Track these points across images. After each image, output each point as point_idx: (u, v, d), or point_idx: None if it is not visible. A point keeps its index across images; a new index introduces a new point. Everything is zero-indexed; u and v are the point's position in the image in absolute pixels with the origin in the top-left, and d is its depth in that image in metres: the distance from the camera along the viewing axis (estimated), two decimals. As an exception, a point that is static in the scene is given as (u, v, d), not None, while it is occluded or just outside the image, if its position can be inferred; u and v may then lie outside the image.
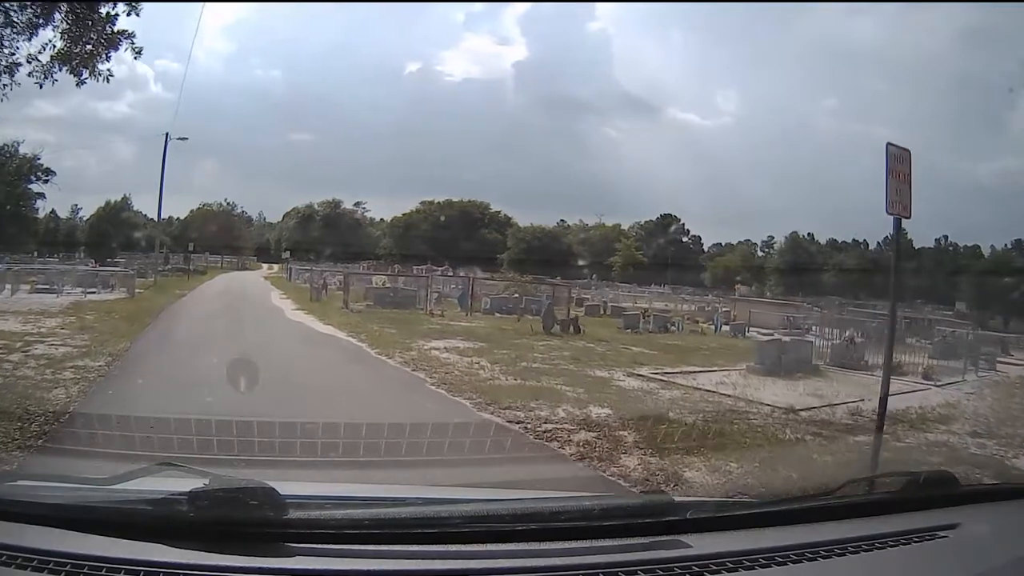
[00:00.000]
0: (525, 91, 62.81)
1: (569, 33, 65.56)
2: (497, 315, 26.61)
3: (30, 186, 48.66)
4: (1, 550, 1.98)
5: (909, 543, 2.45)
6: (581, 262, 50.76)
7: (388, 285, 30.93)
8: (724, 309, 34.77)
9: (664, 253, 53.64)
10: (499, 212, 54.56)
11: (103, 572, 1.92)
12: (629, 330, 24.98)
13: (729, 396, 12.90)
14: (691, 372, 15.65)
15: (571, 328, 22.32)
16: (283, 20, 77.20)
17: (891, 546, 2.41)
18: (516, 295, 28.86)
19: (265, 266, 52.51)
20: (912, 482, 2.88)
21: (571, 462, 8.26)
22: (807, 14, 61.65)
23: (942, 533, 2.53)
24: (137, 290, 29.45)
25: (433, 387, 12.21)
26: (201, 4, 59.97)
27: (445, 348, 17.17)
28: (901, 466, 8.19)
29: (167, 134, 36.37)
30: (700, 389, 13.31)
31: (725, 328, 27.69)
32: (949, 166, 56.24)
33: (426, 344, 17.62)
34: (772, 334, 27.88)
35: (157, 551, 2.01)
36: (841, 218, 60.08)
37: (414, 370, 13.91)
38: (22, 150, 47.91)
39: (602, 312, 29.77)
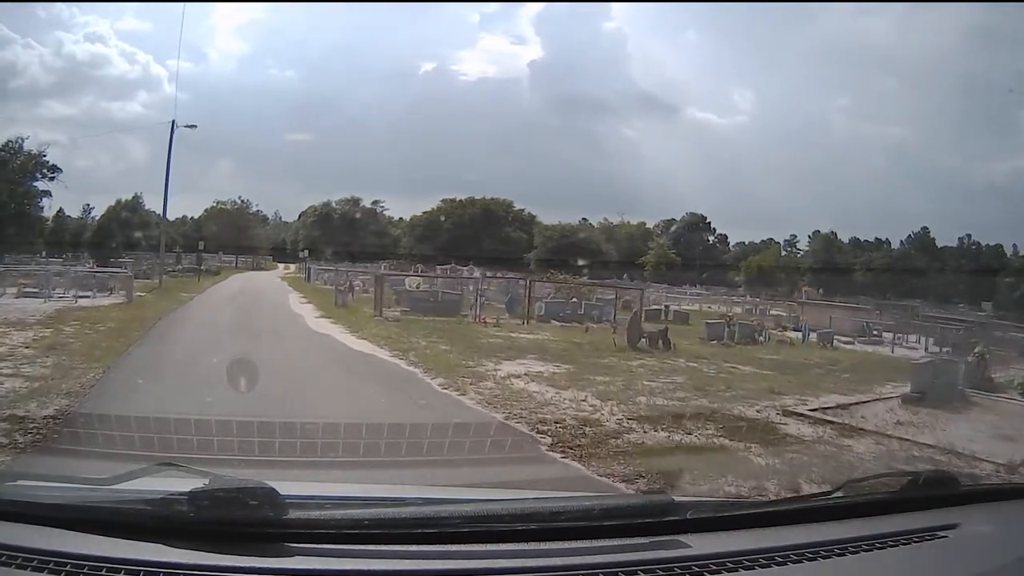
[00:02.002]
0: (541, 90, 61.47)
1: (584, 33, 64.58)
2: (554, 323, 22.34)
3: (35, 184, 43.18)
4: (1, 550, 1.90)
5: (909, 543, 2.33)
6: (608, 261, 47.64)
7: (423, 288, 25.41)
8: (773, 312, 32.75)
9: (692, 252, 50.99)
10: (523, 210, 51.59)
11: (103, 572, 1.83)
12: (715, 341, 21.58)
13: (932, 447, 9.88)
14: (846, 405, 12.64)
15: (660, 342, 18.63)
16: (297, 21, 77.00)
17: (891, 546, 2.29)
18: (574, 299, 23.56)
19: (281, 266, 49.75)
20: (912, 482, 2.72)
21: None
22: (822, 14, 60.88)
23: (942, 533, 2.40)
24: (138, 293, 25.32)
25: (557, 455, 8.13)
26: (183, 4, 57.15)
27: (526, 374, 13.38)
28: None
29: (173, 122, 33.49)
30: (889, 436, 10.37)
31: (812, 337, 24.26)
32: (968, 166, 55.85)
33: (497, 367, 13.96)
34: (852, 342, 25.53)
35: (157, 551, 1.91)
36: (858, 217, 59.32)
37: (507, 417, 9.81)
38: (27, 146, 41.32)
39: (664, 317, 24.38)
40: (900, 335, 26.80)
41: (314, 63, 64.16)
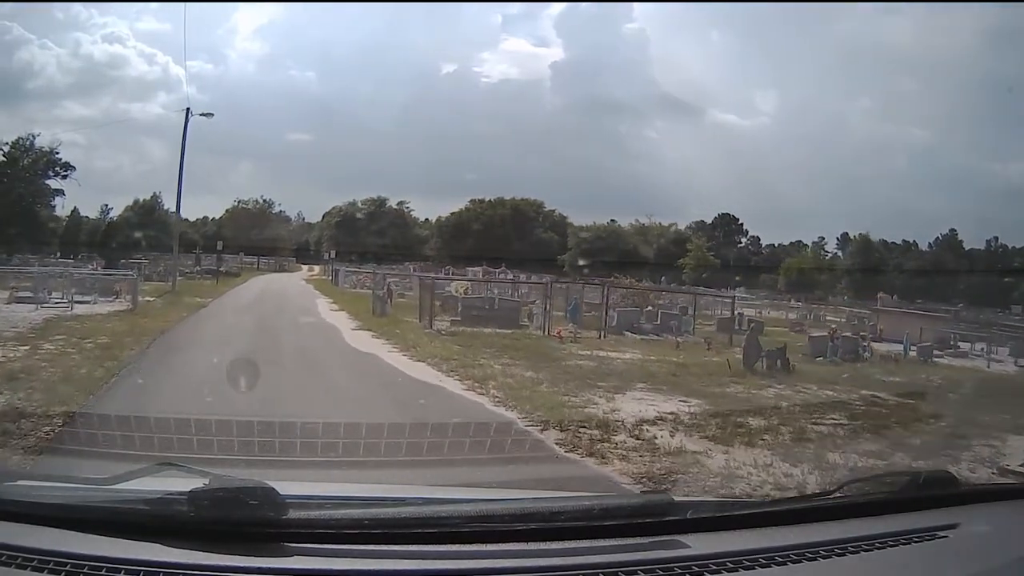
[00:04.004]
0: (563, 92, 59.75)
1: (606, 34, 64.60)
2: (629, 335, 18.47)
3: (47, 182, 39.65)
4: (1, 550, 1.86)
5: (909, 543, 2.25)
6: (644, 263, 43.68)
7: (472, 293, 21.24)
8: (829, 318, 31.40)
9: (726, 254, 47.78)
10: (553, 211, 48.34)
11: (103, 572, 1.78)
12: (820, 358, 18.48)
13: None
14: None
15: (778, 363, 15.16)
16: (317, 23, 77.33)
17: (891, 546, 2.21)
18: (649, 308, 19.45)
19: (305, 267, 46.56)
20: (912, 482, 2.64)
21: (572, 462, 7.09)
22: (844, 15, 59.63)
23: (942, 533, 2.33)
24: (147, 298, 21.57)
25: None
26: (184, 4, 57.14)
27: (659, 418, 9.52)
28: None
29: (187, 110, 30.68)
30: None
31: (912, 351, 21.54)
32: (992, 167, 56.09)
33: (611, 405, 10.31)
34: (942, 355, 22.42)
35: (157, 551, 1.87)
36: (883, 219, 58.12)
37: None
38: (39, 143, 38.16)
39: (737, 326, 20.52)
40: (980, 345, 24.52)
41: (335, 64, 62.91)
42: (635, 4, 70.93)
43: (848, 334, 24.09)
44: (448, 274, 33.66)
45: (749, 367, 14.80)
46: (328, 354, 14.64)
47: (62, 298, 21.60)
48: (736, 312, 26.04)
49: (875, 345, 22.53)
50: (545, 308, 21.05)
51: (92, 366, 11.24)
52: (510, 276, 34.04)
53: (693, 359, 16.34)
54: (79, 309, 19.55)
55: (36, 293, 21.39)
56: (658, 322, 22.03)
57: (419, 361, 13.70)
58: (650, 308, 23.33)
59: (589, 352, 16.30)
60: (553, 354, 15.58)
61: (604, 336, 19.55)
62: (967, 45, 57.22)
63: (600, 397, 10.93)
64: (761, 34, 68.67)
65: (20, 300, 20.69)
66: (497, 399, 10.31)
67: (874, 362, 19.48)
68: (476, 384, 11.40)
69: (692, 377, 13.76)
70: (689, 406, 10.74)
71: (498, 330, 18.73)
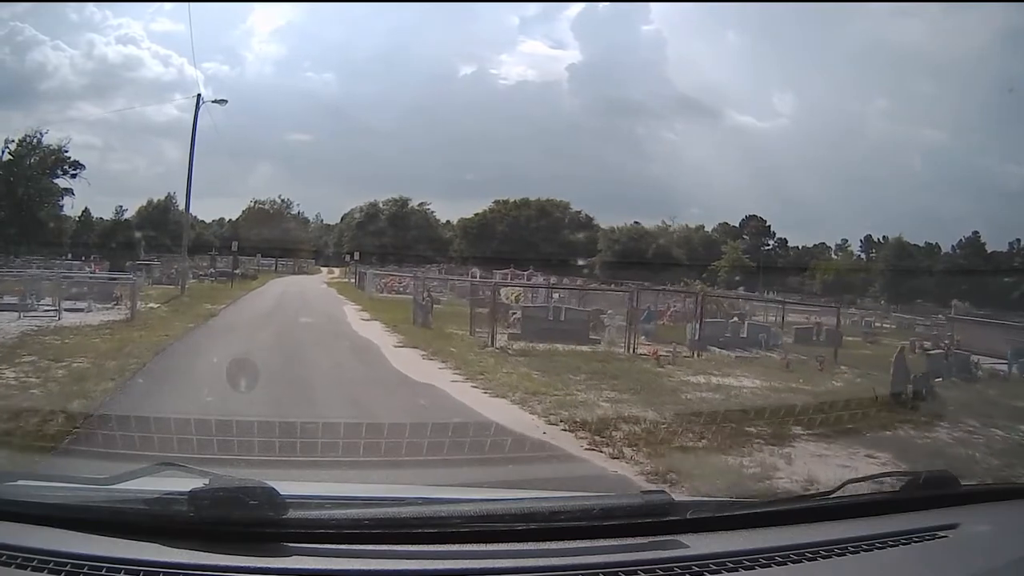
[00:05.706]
0: (581, 94, 58.27)
1: (623, 36, 60.50)
2: (716, 350, 15.91)
3: (55, 181, 36.46)
4: (1, 550, 1.82)
5: (909, 543, 2.18)
6: (678, 266, 40.58)
7: (524, 300, 17.83)
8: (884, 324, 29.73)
9: (755, 256, 44.91)
10: (579, 212, 46.08)
11: (103, 572, 1.75)
12: (939, 379, 14.72)
13: None
14: None
15: (924, 390, 11.72)
16: (334, 24, 73.32)
17: (891, 546, 2.14)
18: (734, 319, 16.42)
19: (324, 269, 44.46)
20: (912, 482, 2.56)
21: (571, 461, 6.67)
22: (859, 15, 57.94)
23: (942, 533, 2.25)
24: (151, 304, 20.74)
25: None
26: (188, 4, 54.92)
27: None
28: None
29: (198, 96, 28.37)
30: None
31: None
32: (1012, 170, 52.58)
33: (799, 473, 6.87)
34: None
35: (157, 551, 1.84)
36: (903, 220, 56.53)
37: None
38: (46, 142, 37.79)
39: (815, 337, 16.83)
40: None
41: (351, 66, 60.81)
42: (652, 5, 68.85)
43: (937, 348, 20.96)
44: (474, 276, 31.09)
45: (897, 397, 11.13)
46: (375, 387, 10.78)
47: (53, 304, 18.71)
48: (816, 321, 22.64)
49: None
50: (629, 321, 17.02)
51: (52, 406, 7.83)
52: (540, 278, 31.53)
53: (818, 384, 13.33)
54: (68, 318, 16.94)
55: (23, 299, 18.63)
56: (745, 335, 19.07)
57: (497, 396, 10.16)
58: (735, 319, 20.59)
59: (699, 379, 12.81)
60: (659, 381, 12.27)
61: (698, 354, 16.09)
62: (985, 45, 56.14)
63: (771, 455, 7.48)
64: (778, 35, 67.26)
65: (5, 307, 17.96)
66: (643, 468, 6.62)
67: (987, 382, 16.44)
68: (597, 437, 7.64)
69: (841, 412, 9.87)
70: (883, 464, 7.53)
71: (570, 347, 15.45)
